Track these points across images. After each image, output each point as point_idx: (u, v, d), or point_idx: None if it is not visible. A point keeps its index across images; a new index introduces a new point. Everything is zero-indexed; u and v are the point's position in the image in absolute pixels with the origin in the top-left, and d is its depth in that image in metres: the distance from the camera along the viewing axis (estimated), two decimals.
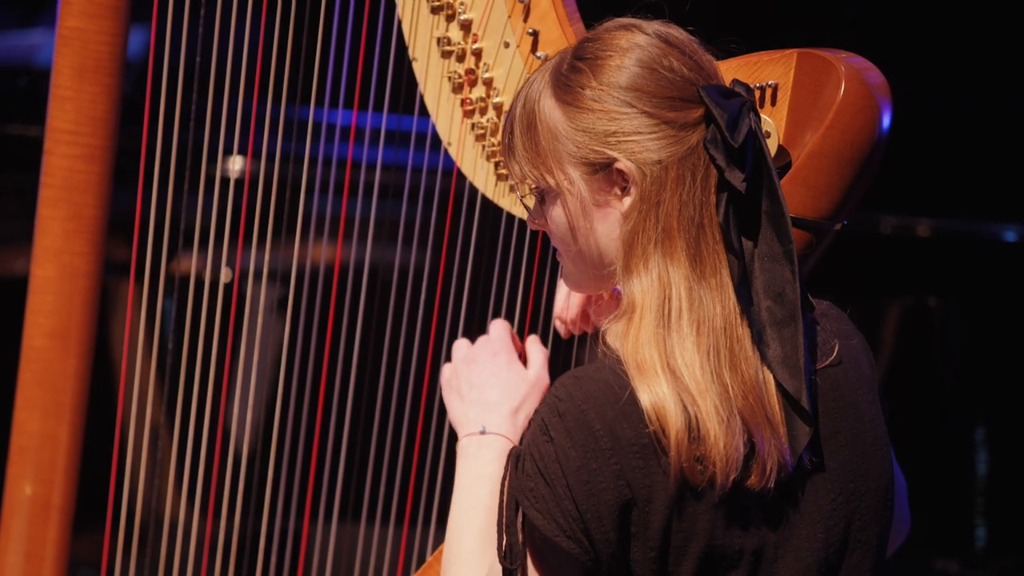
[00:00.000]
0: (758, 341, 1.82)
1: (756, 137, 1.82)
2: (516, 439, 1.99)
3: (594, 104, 1.85)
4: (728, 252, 1.82)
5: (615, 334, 1.85)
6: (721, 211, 1.82)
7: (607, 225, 1.87)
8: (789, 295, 1.82)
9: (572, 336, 2.23)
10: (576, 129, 1.86)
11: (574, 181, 1.87)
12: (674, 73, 1.84)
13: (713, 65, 1.89)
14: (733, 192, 1.82)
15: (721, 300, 1.82)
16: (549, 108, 1.88)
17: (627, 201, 1.85)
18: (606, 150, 1.84)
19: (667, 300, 1.81)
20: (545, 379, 2.07)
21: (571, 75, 1.87)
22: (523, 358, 2.11)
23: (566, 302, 2.20)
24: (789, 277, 1.83)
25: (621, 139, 1.84)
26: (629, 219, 1.84)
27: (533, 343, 2.12)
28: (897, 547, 2.07)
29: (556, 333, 2.24)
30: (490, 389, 2.04)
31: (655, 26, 1.88)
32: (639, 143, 1.83)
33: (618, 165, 1.84)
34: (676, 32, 1.88)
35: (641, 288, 1.83)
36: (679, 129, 1.82)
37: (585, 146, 1.85)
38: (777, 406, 1.82)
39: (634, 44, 1.85)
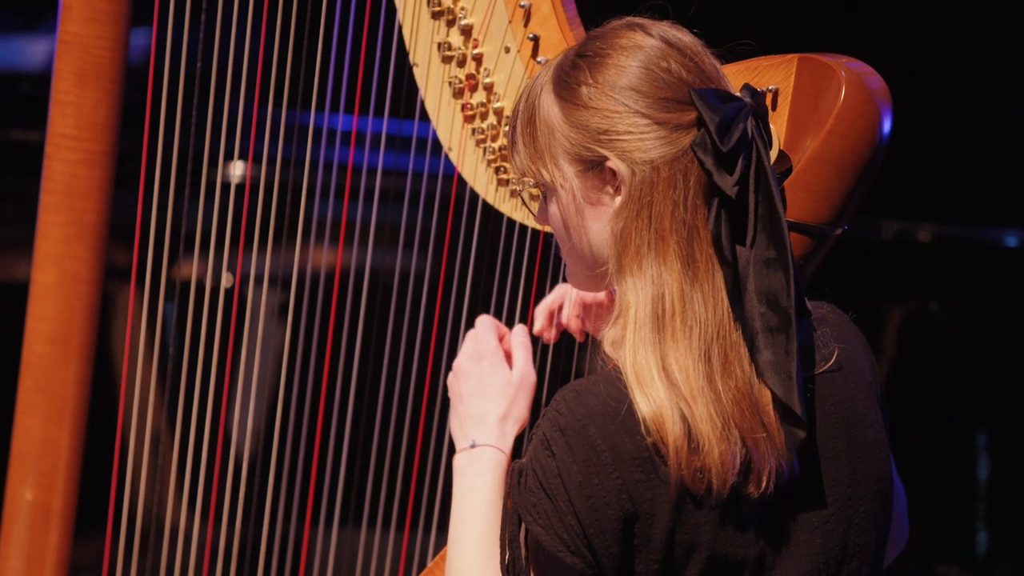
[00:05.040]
0: (750, 347, 1.81)
1: (753, 141, 1.82)
2: (506, 447, 1.99)
3: (589, 102, 1.85)
4: (718, 257, 1.82)
5: (611, 341, 1.85)
6: (711, 216, 1.82)
7: (600, 224, 1.87)
8: (782, 301, 1.82)
9: (572, 343, 2.23)
10: (570, 126, 1.86)
11: (568, 178, 1.87)
12: (671, 75, 1.84)
13: (717, 69, 1.88)
14: (724, 197, 1.81)
15: (714, 304, 1.81)
16: (548, 104, 1.88)
17: (618, 200, 1.85)
18: (598, 148, 1.84)
19: (660, 302, 1.81)
20: (530, 375, 2.06)
21: (571, 72, 1.87)
22: (509, 355, 2.10)
23: (559, 300, 2.19)
24: (783, 282, 1.82)
25: (613, 138, 1.84)
26: (620, 218, 1.84)
27: (515, 337, 2.10)
28: (894, 557, 2.07)
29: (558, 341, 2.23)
30: (477, 400, 2.03)
31: (661, 27, 1.88)
32: (630, 143, 1.83)
33: (609, 164, 1.84)
34: (681, 34, 1.88)
35: (634, 289, 1.83)
36: (672, 131, 1.82)
37: (578, 143, 1.86)
38: (772, 412, 1.81)
39: (635, 44, 1.86)
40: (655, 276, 1.82)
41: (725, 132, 1.80)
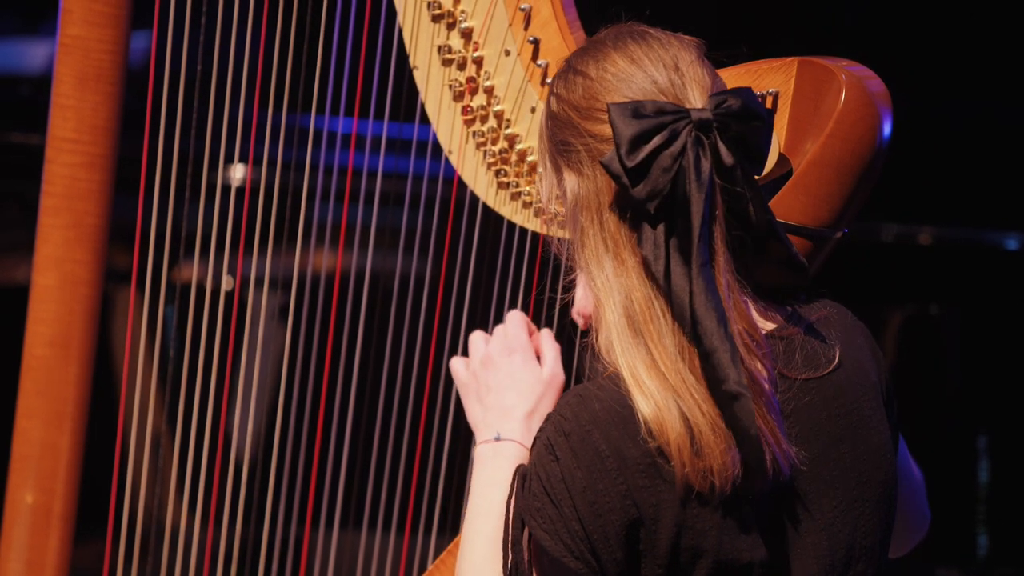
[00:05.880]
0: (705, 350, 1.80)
1: (683, 155, 1.79)
2: (530, 444, 1.99)
3: (554, 112, 1.88)
4: (645, 271, 1.82)
5: (604, 348, 1.85)
6: (641, 229, 1.81)
7: (573, 230, 1.89)
8: (694, 310, 1.79)
9: (573, 344, 2.23)
10: (546, 135, 1.90)
11: (553, 184, 1.91)
12: (623, 90, 1.84)
13: (681, 80, 1.85)
14: (642, 211, 1.80)
15: (674, 306, 1.81)
16: (543, 111, 1.92)
17: (575, 205, 1.86)
18: (557, 157, 1.88)
19: (630, 306, 1.82)
20: (560, 375, 2.06)
21: (552, 82, 1.91)
22: (538, 353, 2.10)
23: (586, 296, 2.19)
24: (703, 296, 1.79)
25: (562, 149, 1.87)
26: (579, 224, 1.86)
27: (545, 338, 2.10)
28: (915, 544, 2.08)
29: (560, 335, 2.23)
30: (506, 392, 2.03)
31: (634, 41, 1.87)
32: (574, 154, 1.86)
33: (563, 172, 1.87)
34: (651, 46, 1.86)
35: (603, 294, 1.84)
36: (600, 142, 1.83)
37: (549, 151, 1.90)
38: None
39: (598, 58, 1.86)
40: (617, 281, 1.83)
41: (635, 147, 1.79)
